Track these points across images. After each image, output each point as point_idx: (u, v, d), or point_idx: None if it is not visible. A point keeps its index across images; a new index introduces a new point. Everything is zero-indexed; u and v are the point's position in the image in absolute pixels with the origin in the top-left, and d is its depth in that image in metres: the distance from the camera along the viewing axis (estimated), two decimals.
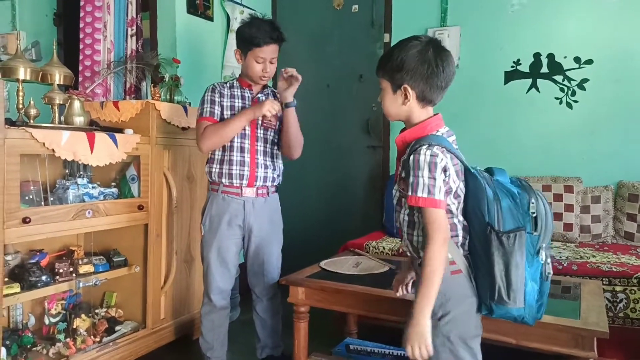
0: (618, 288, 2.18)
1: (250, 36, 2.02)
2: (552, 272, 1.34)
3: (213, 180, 2.10)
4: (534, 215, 1.28)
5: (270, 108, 1.96)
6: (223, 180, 2.06)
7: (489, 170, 1.39)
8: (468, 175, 1.34)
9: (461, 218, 1.34)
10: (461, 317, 1.32)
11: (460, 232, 1.34)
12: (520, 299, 1.25)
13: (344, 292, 1.94)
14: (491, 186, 1.30)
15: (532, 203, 1.28)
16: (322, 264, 2.23)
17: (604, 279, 2.19)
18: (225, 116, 2.06)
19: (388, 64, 1.36)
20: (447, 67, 1.33)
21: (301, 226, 3.74)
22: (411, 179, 1.27)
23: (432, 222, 1.26)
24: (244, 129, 2.05)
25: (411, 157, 1.29)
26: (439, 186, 1.26)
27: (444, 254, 1.26)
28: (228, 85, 2.13)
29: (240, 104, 2.09)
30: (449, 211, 1.32)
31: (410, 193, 1.27)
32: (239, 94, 2.11)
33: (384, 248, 2.67)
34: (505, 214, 1.26)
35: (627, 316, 2.17)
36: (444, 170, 1.28)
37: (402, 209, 1.38)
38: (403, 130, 1.40)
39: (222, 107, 2.07)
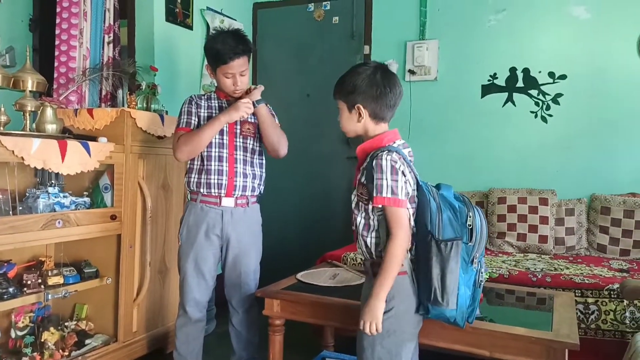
0: (590, 300, 2.22)
1: (216, 53, 2.00)
2: (484, 280, 1.50)
3: (192, 190, 2.07)
4: (470, 227, 1.42)
5: (245, 108, 1.97)
6: (201, 190, 2.03)
7: (437, 186, 1.52)
8: (418, 188, 1.47)
9: (412, 224, 1.45)
10: (403, 314, 1.44)
11: (409, 238, 1.44)
12: (453, 301, 1.38)
13: (320, 305, 1.92)
14: (435, 199, 1.43)
15: (470, 216, 1.43)
16: (299, 275, 2.21)
17: (576, 291, 2.22)
18: (201, 123, 2.06)
19: (343, 87, 1.51)
20: (393, 88, 1.48)
21: (279, 237, 3.72)
22: (375, 182, 1.39)
23: (396, 220, 1.39)
24: (222, 139, 2.04)
25: (374, 162, 1.41)
26: (400, 187, 1.39)
27: (404, 249, 1.40)
28: (205, 97, 2.12)
29: (217, 115, 2.06)
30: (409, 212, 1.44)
31: (375, 194, 1.39)
32: (216, 104, 2.10)
33: (361, 259, 2.67)
34: (445, 225, 1.40)
35: (598, 327, 2.20)
36: (403, 174, 1.41)
37: (359, 213, 1.49)
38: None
39: (198, 117, 2.06)
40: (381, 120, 1.51)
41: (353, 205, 1.52)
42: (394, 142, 1.49)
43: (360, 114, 1.49)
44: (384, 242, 1.43)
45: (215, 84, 2.16)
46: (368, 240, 1.47)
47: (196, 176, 2.05)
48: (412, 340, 1.51)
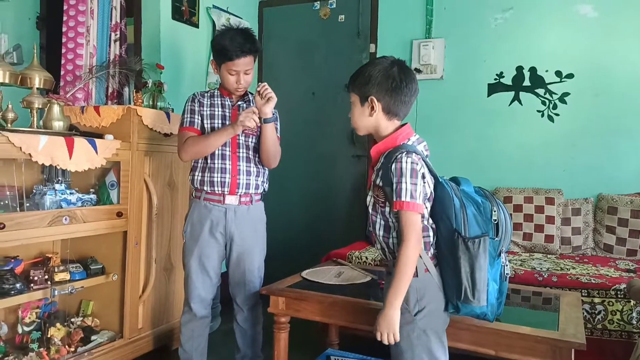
0: (597, 300, 2.20)
1: (223, 49, 2.01)
2: (509, 273, 1.50)
3: (196, 187, 2.08)
4: (496, 222, 1.40)
5: (249, 123, 1.93)
6: (205, 188, 2.04)
7: (455, 180, 1.49)
8: (437, 184, 1.45)
9: (431, 221, 1.44)
10: (435, 312, 1.42)
11: (431, 233, 1.43)
12: (484, 298, 1.37)
13: (325, 303, 1.92)
14: (458, 195, 1.40)
15: (494, 211, 1.41)
16: (304, 273, 2.22)
17: (583, 291, 2.21)
18: (205, 125, 2.06)
19: (357, 78, 1.49)
20: (410, 83, 1.45)
21: (284, 235, 3.72)
22: (394, 186, 1.36)
23: (410, 225, 1.36)
24: (239, 140, 2.06)
25: (393, 165, 1.37)
26: (419, 191, 1.36)
27: (417, 254, 1.37)
28: (209, 94, 2.12)
29: (220, 112, 2.08)
30: (422, 214, 1.41)
31: (395, 199, 1.36)
32: (219, 102, 2.10)
33: (366, 258, 2.67)
34: (470, 221, 1.38)
35: (605, 327, 2.19)
36: (423, 176, 1.38)
37: (377, 214, 1.46)
38: (374, 142, 1.51)
39: (202, 116, 2.07)
40: (394, 116, 1.47)
41: (370, 207, 1.49)
42: (409, 140, 1.46)
43: (373, 107, 1.45)
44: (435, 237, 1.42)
45: (220, 81, 2.15)
46: (390, 241, 1.44)
47: (200, 174, 2.06)
48: (445, 339, 1.48)
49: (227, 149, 2.05)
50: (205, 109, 2.08)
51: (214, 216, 2.05)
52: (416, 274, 1.40)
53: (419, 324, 1.40)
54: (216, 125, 2.06)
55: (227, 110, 2.09)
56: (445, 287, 1.42)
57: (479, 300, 1.35)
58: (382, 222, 1.45)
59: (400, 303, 1.36)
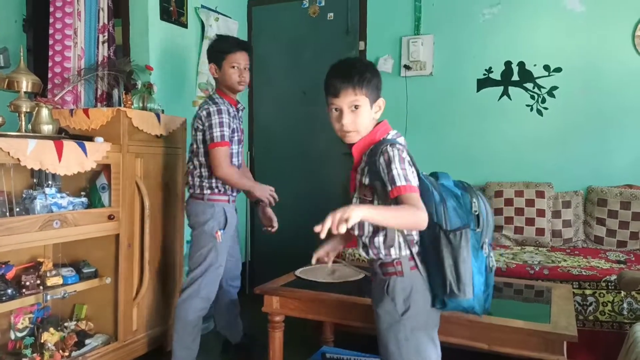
0: (588, 292, 2.23)
1: (221, 46, 2.24)
2: (495, 265, 1.46)
3: (220, 191, 2.24)
4: (476, 213, 1.39)
5: (268, 198, 2.36)
6: (233, 193, 2.30)
7: (434, 175, 1.49)
8: (417, 178, 1.43)
9: None
10: (422, 310, 1.41)
11: (415, 231, 1.41)
12: (470, 291, 1.35)
13: (319, 301, 1.93)
14: (437, 189, 1.40)
15: (474, 202, 1.40)
16: (298, 272, 2.22)
17: (574, 283, 2.24)
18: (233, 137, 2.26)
19: (373, 79, 1.42)
20: None
21: (276, 234, 3.71)
22: (386, 176, 1.32)
23: (417, 202, 1.29)
24: (238, 149, 2.32)
25: (379, 159, 1.35)
26: (411, 174, 1.33)
27: (420, 221, 1.28)
28: (227, 106, 2.23)
29: (236, 125, 2.27)
30: None
31: (390, 187, 1.31)
32: (233, 113, 2.27)
33: (360, 255, 2.67)
34: (450, 214, 1.36)
35: (596, 319, 2.21)
36: (410, 164, 1.37)
37: None
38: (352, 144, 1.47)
39: (230, 129, 2.21)
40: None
41: None
42: (388, 134, 1.43)
43: (380, 109, 1.44)
44: (392, 238, 1.39)
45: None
46: (376, 240, 1.41)
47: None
48: (435, 335, 1.46)
49: (238, 160, 2.32)
50: (232, 121, 2.24)
51: (235, 217, 2.32)
52: (402, 273, 1.39)
53: (406, 323, 1.38)
54: (234, 136, 2.25)
55: (237, 121, 2.30)
56: (432, 283, 1.41)
57: (465, 293, 1.34)
58: (369, 223, 1.40)
59: (369, 214, 1.22)
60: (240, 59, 2.21)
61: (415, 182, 1.33)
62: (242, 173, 2.33)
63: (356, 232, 1.45)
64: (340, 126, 1.42)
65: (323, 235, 1.23)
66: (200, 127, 2.20)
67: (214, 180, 2.22)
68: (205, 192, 2.22)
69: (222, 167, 2.14)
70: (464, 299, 1.35)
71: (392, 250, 1.39)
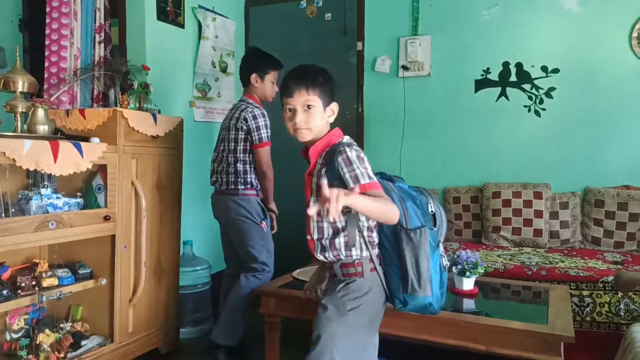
0: (585, 292, 2.23)
1: (269, 62, 2.55)
2: (448, 264, 1.55)
3: (252, 186, 2.48)
4: (432, 213, 1.47)
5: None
6: (257, 188, 2.53)
7: (390, 178, 1.54)
8: None
9: (374, 222, 1.46)
10: (371, 311, 1.44)
11: (374, 233, 1.46)
12: (429, 288, 1.42)
13: (316, 302, 1.92)
14: (395, 191, 1.45)
15: (430, 203, 1.48)
16: (295, 273, 2.22)
17: (571, 284, 2.24)
18: None
19: (326, 82, 1.49)
20: None
21: (274, 235, 3.71)
22: (347, 175, 1.37)
23: (383, 197, 1.35)
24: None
25: (338, 158, 1.39)
26: (371, 172, 1.39)
27: (394, 214, 1.34)
28: (260, 105, 2.51)
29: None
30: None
31: (354, 185, 1.34)
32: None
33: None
34: (410, 214, 1.43)
35: (593, 320, 2.21)
36: (368, 163, 1.42)
37: (324, 219, 1.45)
38: (304, 149, 1.53)
39: None
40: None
41: (315, 215, 1.45)
42: (343, 138, 1.50)
43: (333, 112, 1.52)
44: (353, 238, 1.40)
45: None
46: (336, 241, 1.43)
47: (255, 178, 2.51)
48: (376, 334, 1.51)
49: None
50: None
51: None
52: (362, 274, 1.42)
53: (350, 320, 1.40)
54: None
55: None
56: (391, 283, 1.45)
57: (425, 289, 1.40)
58: (329, 226, 1.44)
59: (362, 206, 1.27)
60: (276, 77, 2.56)
61: (375, 178, 1.39)
62: None
63: (315, 236, 1.47)
64: (293, 124, 1.47)
65: (312, 212, 1.27)
66: (244, 127, 2.42)
67: (248, 176, 2.44)
68: (239, 187, 2.43)
69: (268, 163, 2.45)
70: (424, 297, 1.41)
71: (353, 251, 1.42)
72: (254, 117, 2.41)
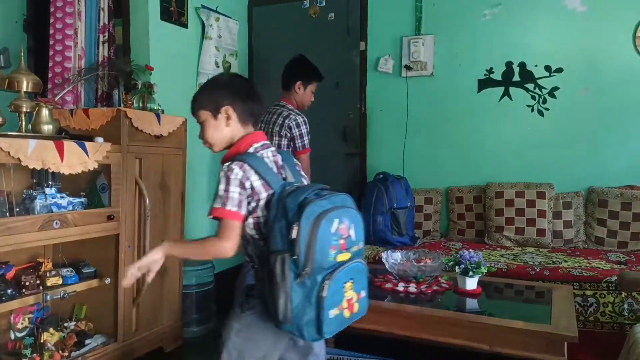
0: (588, 292, 2.22)
1: (313, 72, 2.71)
2: (326, 295, 1.29)
3: None
4: (293, 239, 1.26)
5: None
6: None
7: (298, 189, 1.37)
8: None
9: (254, 233, 1.38)
10: (258, 319, 1.39)
11: (232, 250, 1.37)
12: (286, 316, 1.27)
13: None
14: (279, 206, 1.32)
15: (294, 228, 1.26)
16: None
17: (575, 284, 2.23)
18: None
19: (201, 95, 1.48)
20: (256, 94, 1.50)
21: None
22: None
23: (223, 232, 1.32)
24: None
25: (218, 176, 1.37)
26: (232, 197, 1.32)
27: (217, 254, 1.35)
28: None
29: None
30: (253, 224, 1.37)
31: (211, 205, 1.34)
32: None
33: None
34: (275, 236, 1.29)
35: (597, 320, 2.21)
36: (242, 185, 1.33)
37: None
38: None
39: None
40: (246, 123, 1.46)
41: None
42: (252, 146, 1.42)
43: (229, 117, 1.43)
44: (259, 248, 1.36)
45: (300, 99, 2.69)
46: (249, 249, 1.41)
47: None
48: (264, 349, 1.41)
49: None
50: None
51: None
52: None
53: (237, 323, 1.41)
54: None
55: None
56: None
57: (279, 317, 1.28)
58: (244, 234, 1.40)
59: (174, 253, 1.42)
60: (315, 88, 2.74)
61: (234, 204, 1.32)
62: None
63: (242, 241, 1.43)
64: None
65: (127, 285, 1.37)
66: (287, 134, 2.58)
67: None
68: None
69: (308, 168, 2.61)
70: (283, 324, 1.29)
71: (255, 260, 1.39)
72: (297, 125, 2.57)
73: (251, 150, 1.41)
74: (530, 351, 1.57)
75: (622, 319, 2.17)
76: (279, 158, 1.45)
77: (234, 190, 1.32)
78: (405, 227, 2.98)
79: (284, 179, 1.42)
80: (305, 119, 2.62)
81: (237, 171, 1.33)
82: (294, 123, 2.56)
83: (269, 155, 1.43)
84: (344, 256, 1.32)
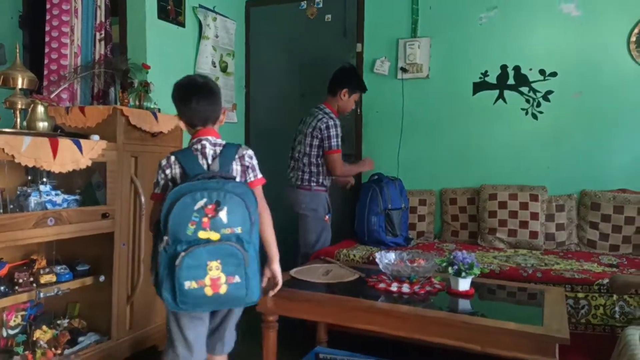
0: (580, 295, 2.24)
1: (359, 82, 2.97)
2: (180, 266, 1.47)
3: (322, 184, 2.91)
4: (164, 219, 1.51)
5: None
6: (327, 185, 2.95)
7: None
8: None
9: None
10: None
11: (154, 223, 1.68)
12: (156, 281, 1.59)
13: (313, 301, 1.93)
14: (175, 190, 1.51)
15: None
16: (292, 272, 2.22)
17: (567, 286, 2.25)
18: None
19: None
20: (187, 94, 1.71)
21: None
22: None
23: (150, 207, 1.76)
24: None
25: None
26: (157, 183, 1.66)
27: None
28: (337, 121, 2.89)
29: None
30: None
31: None
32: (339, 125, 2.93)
33: (354, 256, 2.68)
34: (162, 208, 1.52)
35: (589, 322, 2.22)
36: (164, 171, 1.64)
37: None
38: None
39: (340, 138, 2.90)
40: (194, 123, 1.70)
41: None
42: (191, 142, 1.69)
43: (183, 123, 1.73)
44: None
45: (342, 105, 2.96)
46: None
47: (327, 178, 2.94)
48: (182, 320, 1.66)
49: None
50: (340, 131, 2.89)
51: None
52: None
53: None
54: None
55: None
56: None
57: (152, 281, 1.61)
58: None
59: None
60: (359, 97, 3.05)
61: (157, 190, 1.65)
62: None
63: None
64: None
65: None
66: (319, 135, 2.84)
67: (320, 177, 2.88)
68: (312, 184, 2.87)
69: (338, 169, 2.88)
70: (156, 289, 1.59)
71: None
72: (327, 128, 2.82)
73: (188, 145, 1.69)
74: (521, 352, 1.58)
75: (613, 321, 2.19)
76: (213, 150, 1.65)
77: (160, 177, 1.65)
78: (400, 228, 3.00)
79: (209, 167, 1.61)
80: (337, 123, 2.85)
81: (164, 162, 1.65)
82: (324, 125, 2.82)
83: (199, 147, 1.65)
84: (208, 234, 1.46)
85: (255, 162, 1.72)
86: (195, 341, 1.67)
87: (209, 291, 1.47)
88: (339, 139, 2.86)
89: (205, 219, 1.46)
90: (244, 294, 1.51)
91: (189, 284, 1.45)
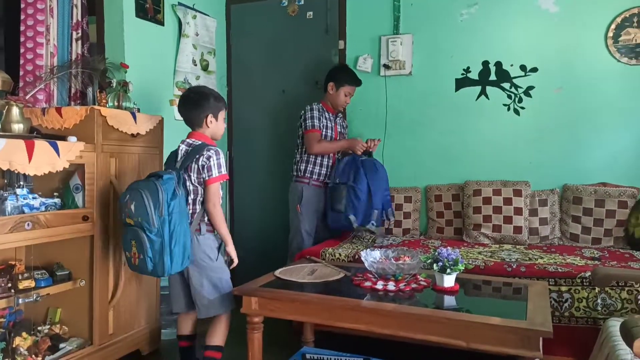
0: (563, 288, 2.26)
1: (346, 77, 3.01)
2: (122, 240, 2.11)
3: (302, 174, 3.00)
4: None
5: (358, 152, 2.95)
6: (308, 176, 2.99)
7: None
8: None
9: None
10: None
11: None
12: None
13: (299, 301, 1.92)
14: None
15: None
16: (277, 272, 2.21)
17: (550, 280, 2.27)
18: (322, 130, 2.97)
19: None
20: (180, 105, 2.20)
21: (257, 234, 3.70)
22: None
23: None
24: (330, 139, 3.04)
25: None
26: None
27: None
28: (318, 107, 2.99)
29: (329, 124, 3.03)
30: None
31: None
32: (327, 115, 3.03)
33: (340, 255, 2.67)
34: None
35: (572, 315, 2.25)
36: None
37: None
38: None
39: (320, 122, 2.95)
40: (189, 126, 2.17)
41: None
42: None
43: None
44: None
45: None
46: None
47: (310, 166, 3.01)
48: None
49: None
50: (322, 118, 2.97)
51: (314, 197, 3.00)
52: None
53: None
54: (325, 132, 2.99)
55: (331, 123, 3.04)
56: None
57: None
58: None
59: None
60: (352, 91, 3.04)
61: None
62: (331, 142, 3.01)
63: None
64: None
65: None
66: (301, 124, 2.98)
67: (302, 165, 2.99)
68: (293, 175, 3.05)
69: (313, 147, 2.92)
70: None
71: None
72: (304, 112, 2.97)
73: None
74: (506, 347, 1.59)
75: (595, 313, 2.22)
76: (185, 150, 2.09)
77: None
78: (348, 206, 2.84)
79: (176, 166, 2.06)
80: (314, 107, 2.96)
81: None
82: (302, 113, 2.99)
83: (178, 147, 2.12)
84: (129, 220, 1.94)
85: (213, 162, 2.01)
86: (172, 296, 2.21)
87: (133, 261, 1.97)
88: (315, 120, 2.93)
89: (126, 210, 1.95)
90: (150, 268, 1.92)
91: (126, 254, 2.01)
